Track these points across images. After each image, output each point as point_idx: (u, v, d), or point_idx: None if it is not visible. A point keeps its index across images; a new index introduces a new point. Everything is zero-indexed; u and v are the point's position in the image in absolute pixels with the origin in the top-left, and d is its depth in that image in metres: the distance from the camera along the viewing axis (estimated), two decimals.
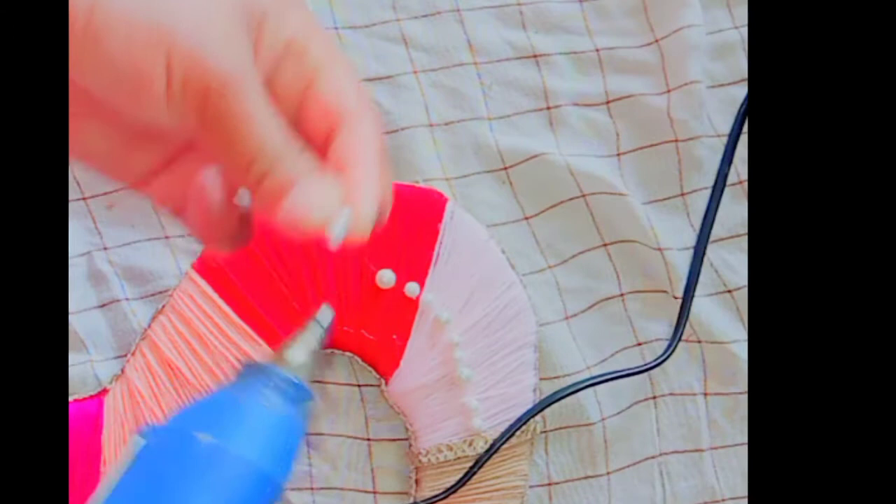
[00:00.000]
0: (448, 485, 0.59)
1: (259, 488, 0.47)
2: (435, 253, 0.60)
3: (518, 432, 0.59)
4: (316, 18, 0.44)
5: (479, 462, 0.58)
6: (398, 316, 0.60)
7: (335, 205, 0.41)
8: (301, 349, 0.50)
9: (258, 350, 0.59)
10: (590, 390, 0.61)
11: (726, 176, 0.63)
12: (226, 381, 0.52)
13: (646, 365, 0.60)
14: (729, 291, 0.63)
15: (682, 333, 0.61)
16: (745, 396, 0.62)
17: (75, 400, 0.59)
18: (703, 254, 0.62)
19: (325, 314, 0.51)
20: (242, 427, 0.47)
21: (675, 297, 0.62)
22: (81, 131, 0.47)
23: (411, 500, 0.60)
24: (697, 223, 0.63)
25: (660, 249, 0.62)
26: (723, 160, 0.63)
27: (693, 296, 0.61)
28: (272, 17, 0.42)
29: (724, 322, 0.62)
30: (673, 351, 0.61)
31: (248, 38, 0.42)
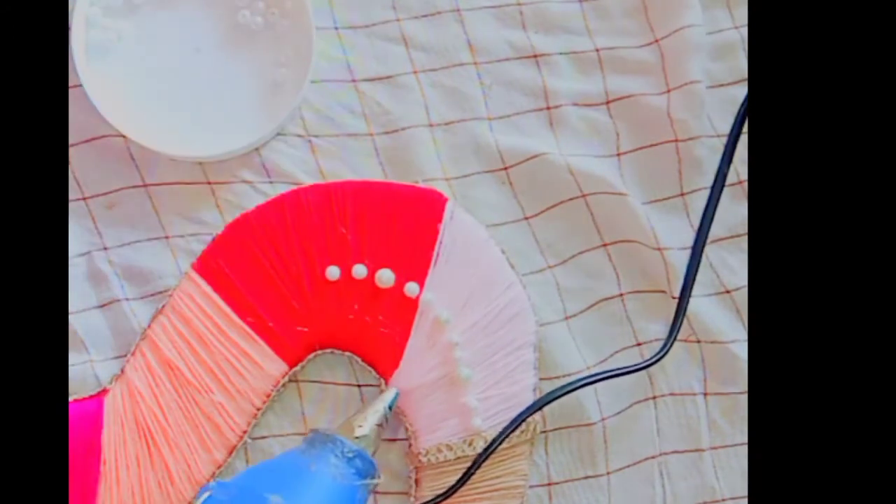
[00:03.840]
0: (448, 484, 0.59)
1: None
2: (435, 253, 0.60)
3: (518, 432, 0.59)
4: None
5: (478, 461, 0.58)
6: (398, 315, 0.60)
7: None
8: (369, 424, 0.56)
9: (258, 350, 0.59)
10: (590, 390, 0.61)
11: (725, 176, 0.63)
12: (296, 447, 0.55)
13: (642, 363, 0.60)
14: (728, 292, 0.63)
15: (678, 332, 0.61)
16: (745, 396, 0.62)
17: (75, 400, 0.59)
18: (701, 253, 0.62)
19: (390, 394, 0.58)
20: (312, 493, 0.49)
21: (674, 297, 0.62)
22: None
23: (411, 499, 0.60)
24: (697, 223, 0.63)
25: (659, 249, 0.62)
26: (722, 160, 0.63)
27: (690, 295, 0.61)
28: None
29: (724, 322, 0.62)
30: (668, 349, 0.61)
31: None
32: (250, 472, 0.52)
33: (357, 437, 0.55)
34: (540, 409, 0.59)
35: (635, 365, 0.60)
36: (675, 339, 0.61)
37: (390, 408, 0.58)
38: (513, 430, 0.59)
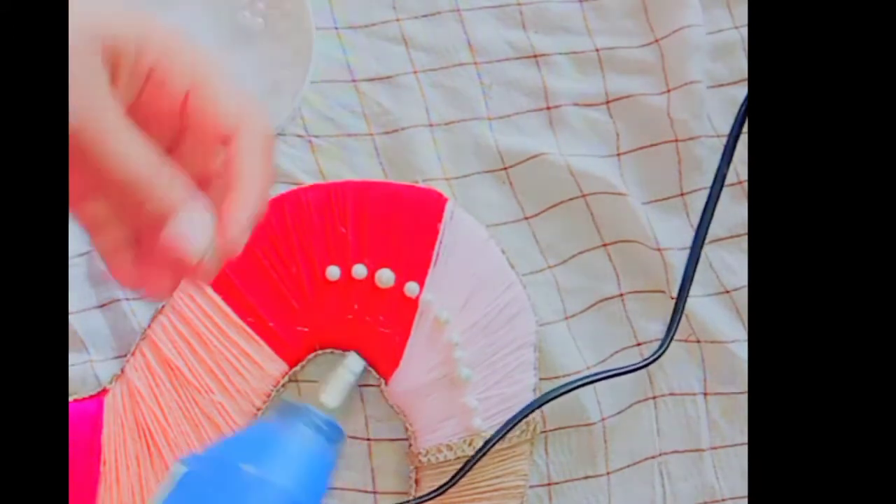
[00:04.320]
0: (444, 482, 0.59)
1: None
2: (434, 253, 0.60)
3: (518, 432, 0.59)
4: (178, 38, 0.44)
5: (475, 457, 0.58)
6: (398, 315, 0.60)
7: (208, 237, 0.43)
8: (335, 394, 0.57)
9: (258, 350, 0.59)
10: (590, 390, 0.61)
11: (725, 176, 0.63)
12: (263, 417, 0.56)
13: (640, 363, 0.60)
14: (727, 292, 0.63)
15: (675, 331, 0.61)
16: (745, 396, 0.62)
17: (75, 400, 0.59)
18: (700, 253, 0.62)
19: (355, 362, 0.58)
20: (284, 460, 0.50)
21: (673, 297, 0.62)
22: None
23: (411, 500, 0.60)
24: (697, 223, 0.63)
25: (659, 249, 0.62)
26: (721, 160, 0.63)
27: (688, 294, 0.61)
28: (127, 47, 0.43)
29: (724, 322, 0.62)
30: (666, 348, 0.61)
31: (102, 74, 0.43)
32: (223, 444, 0.53)
33: (325, 406, 0.56)
34: (537, 408, 0.59)
35: (633, 364, 0.60)
36: (672, 338, 0.61)
37: (356, 375, 0.59)
38: (510, 429, 0.59)
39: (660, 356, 0.61)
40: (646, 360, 0.61)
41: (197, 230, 0.43)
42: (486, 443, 0.58)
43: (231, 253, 0.44)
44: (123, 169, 0.42)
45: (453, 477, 0.58)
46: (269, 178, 0.46)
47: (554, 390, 0.59)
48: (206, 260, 0.43)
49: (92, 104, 0.43)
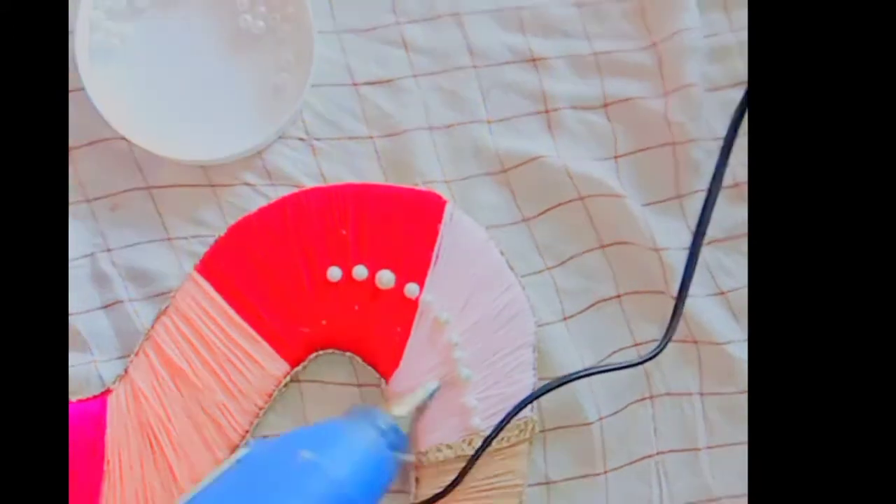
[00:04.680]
0: (448, 483, 0.59)
1: None
2: (434, 254, 0.61)
3: (517, 431, 0.60)
4: None
5: (476, 454, 0.59)
6: (398, 316, 0.60)
7: None
8: (407, 405, 0.57)
9: (260, 350, 0.59)
10: (587, 390, 0.61)
11: (722, 178, 0.63)
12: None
13: (637, 361, 0.61)
14: (723, 293, 0.63)
15: (673, 331, 0.61)
16: (741, 396, 0.62)
17: (79, 400, 0.59)
18: (698, 255, 0.62)
19: (432, 385, 0.59)
20: (341, 452, 0.51)
21: (672, 298, 0.62)
22: None
23: (412, 498, 0.60)
24: (694, 225, 0.63)
25: (657, 251, 0.62)
26: (718, 162, 0.63)
27: (686, 295, 0.61)
28: None
29: (720, 323, 0.63)
30: (663, 347, 0.61)
31: None
32: (290, 434, 0.54)
33: (395, 416, 0.56)
34: (535, 399, 0.59)
35: (629, 362, 0.61)
36: (670, 337, 0.61)
37: (430, 396, 0.59)
38: (506, 422, 0.59)
39: (658, 354, 0.61)
40: (644, 357, 0.61)
41: None
42: (487, 439, 0.59)
43: None
44: None
45: (459, 475, 0.59)
46: None
47: (550, 383, 0.60)
48: None
49: None
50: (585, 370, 0.60)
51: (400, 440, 0.54)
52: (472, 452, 0.59)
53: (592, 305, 0.63)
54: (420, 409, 0.58)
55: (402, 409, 0.57)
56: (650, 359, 0.61)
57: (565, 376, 0.60)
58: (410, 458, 0.56)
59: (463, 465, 0.59)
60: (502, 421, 0.59)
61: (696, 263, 0.62)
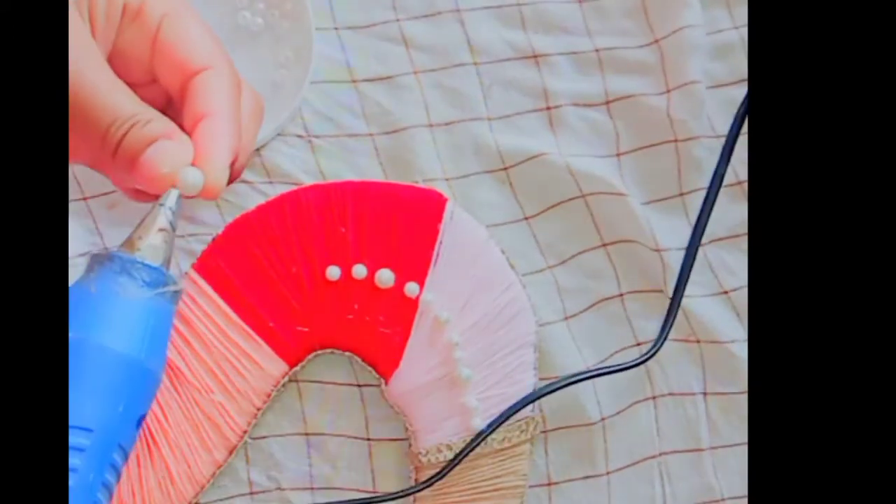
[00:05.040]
0: (447, 484, 0.59)
1: (130, 375, 0.47)
2: (434, 253, 0.60)
3: (518, 431, 0.59)
4: None
5: (470, 445, 0.58)
6: (398, 315, 0.60)
7: (184, 161, 0.48)
8: (150, 232, 0.50)
9: (258, 349, 0.59)
10: (589, 391, 0.61)
11: (723, 176, 0.63)
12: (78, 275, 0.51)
13: (634, 361, 0.60)
14: (726, 292, 0.63)
15: (670, 329, 0.61)
16: (744, 396, 0.62)
17: None
18: (696, 253, 0.62)
19: (171, 196, 0.51)
20: (100, 317, 0.47)
21: (670, 297, 0.62)
22: None
23: (412, 499, 0.60)
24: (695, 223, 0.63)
25: (658, 250, 0.62)
26: (720, 161, 0.63)
27: (683, 293, 0.61)
28: None
29: (723, 322, 0.62)
30: (660, 346, 0.60)
31: (84, 28, 0.47)
32: None
33: (139, 250, 0.50)
34: (530, 403, 0.59)
35: (630, 362, 0.60)
36: (666, 336, 0.61)
37: (173, 210, 0.51)
38: (505, 419, 0.59)
39: (654, 354, 0.61)
40: (641, 357, 0.60)
41: (170, 157, 0.48)
42: (479, 434, 0.58)
43: (213, 187, 0.48)
44: (107, 104, 0.46)
45: (444, 467, 0.58)
46: (239, 120, 0.50)
47: (546, 386, 0.59)
48: (185, 186, 0.48)
49: (78, 60, 0.46)
50: (583, 373, 0.60)
51: (155, 274, 0.49)
52: (473, 453, 0.59)
53: (594, 305, 0.63)
54: (167, 230, 0.50)
55: (144, 238, 0.50)
56: (647, 359, 0.60)
57: (563, 379, 0.60)
58: (178, 286, 0.50)
59: (463, 465, 0.59)
60: (500, 416, 0.59)
61: (693, 262, 0.62)
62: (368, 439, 0.61)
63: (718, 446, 0.62)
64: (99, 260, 0.50)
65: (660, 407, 0.63)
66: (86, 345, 0.46)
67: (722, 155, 0.63)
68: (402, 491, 0.59)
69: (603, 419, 0.62)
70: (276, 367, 0.59)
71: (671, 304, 0.61)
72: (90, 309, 0.47)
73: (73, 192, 0.61)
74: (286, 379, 0.60)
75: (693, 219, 0.63)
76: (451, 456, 0.59)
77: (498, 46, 0.64)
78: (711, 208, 0.63)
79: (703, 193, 0.63)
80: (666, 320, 0.61)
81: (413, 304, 0.60)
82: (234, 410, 0.59)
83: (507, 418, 0.59)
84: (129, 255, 0.49)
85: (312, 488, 0.61)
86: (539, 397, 0.59)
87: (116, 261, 0.49)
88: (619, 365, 0.60)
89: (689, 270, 0.61)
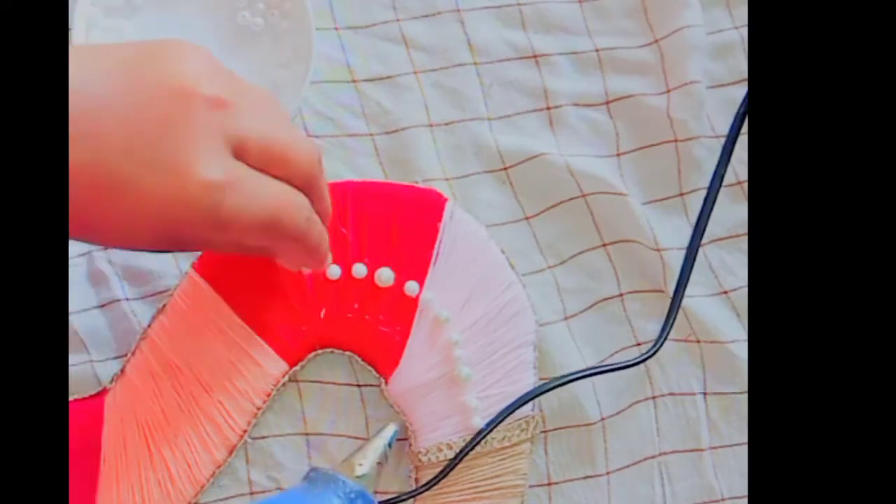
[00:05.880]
0: (447, 483, 0.59)
1: None
2: (434, 252, 0.60)
3: (518, 430, 0.59)
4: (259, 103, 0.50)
5: (470, 444, 0.58)
6: (398, 314, 0.60)
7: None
8: (368, 460, 0.56)
9: (258, 349, 0.59)
10: (589, 390, 0.61)
11: (723, 177, 0.63)
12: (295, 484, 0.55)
13: (634, 360, 0.60)
14: (726, 292, 0.63)
15: (670, 329, 0.61)
16: (744, 396, 0.62)
17: (76, 399, 0.59)
18: (696, 253, 0.62)
19: (390, 431, 0.57)
20: None
21: (671, 297, 0.62)
22: None
23: (412, 499, 0.60)
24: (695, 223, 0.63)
25: (658, 250, 0.62)
26: (719, 161, 0.63)
27: (683, 293, 0.61)
28: (242, 138, 0.49)
29: (723, 322, 0.62)
30: (660, 346, 0.61)
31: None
32: None
33: (358, 477, 0.55)
34: (529, 400, 0.59)
35: (628, 361, 0.60)
36: (666, 336, 0.61)
37: (390, 445, 0.58)
38: (504, 418, 0.59)
39: (654, 353, 0.61)
40: (641, 356, 0.61)
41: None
42: (479, 433, 0.58)
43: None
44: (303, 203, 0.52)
45: (444, 466, 0.58)
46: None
47: (546, 384, 0.59)
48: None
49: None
50: (583, 371, 0.60)
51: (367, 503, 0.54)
52: (472, 452, 0.59)
53: (594, 304, 0.63)
54: (382, 463, 0.57)
55: (363, 466, 0.56)
56: (647, 358, 0.60)
57: (563, 377, 0.60)
58: None
59: (463, 464, 0.59)
60: (500, 415, 0.59)
61: (693, 262, 0.62)
62: (368, 439, 0.61)
63: (718, 446, 0.62)
64: (324, 479, 0.53)
65: (660, 407, 0.62)
66: None
67: (722, 155, 0.63)
68: (403, 494, 0.59)
69: (603, 419, 0.61)
70: (276, 366, 0.59)
71: (672, 304, 0.61)
72: None
73: None
74: (286, 379, 0.60)
75: (693, 219, 0.63)
76: (451, 455, 0.59)
77: (498, 46, 0.64)
78: (712, 208, 0.63)
79: (703, 193, 0.63)
80: (666, 320, 0.61)
81: (413, 303, 0.60)
82: (234, 410, 0.59)
83: (507, 417, 0.59)
84: (353, 483, 0.53)
85: None
86: (539, 394, 0.59)
87: (341, 485, 0.53)
88: (618, 363, 0.60)
89: (690, 271, 0.61)
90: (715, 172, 0.63)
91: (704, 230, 0.62)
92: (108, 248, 0.61)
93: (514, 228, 0.63)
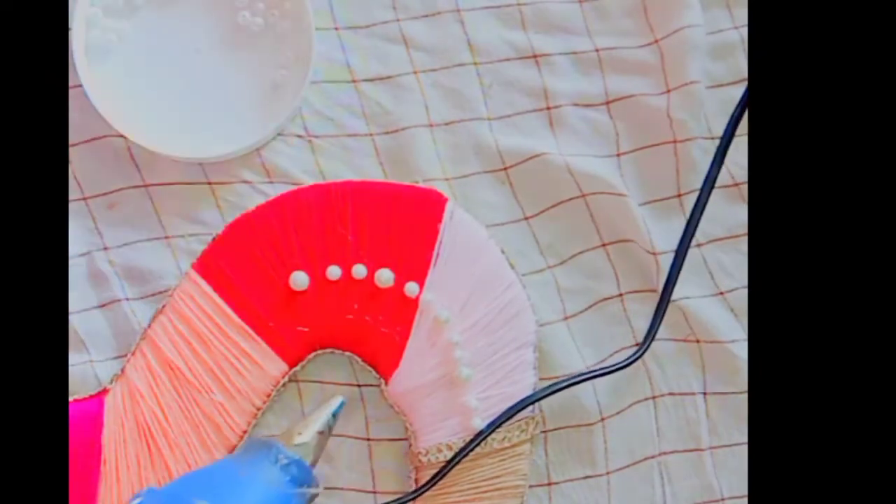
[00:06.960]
0: (447, 484, 0.59)
1: None
2: (434, 253, 0.60)
3: (518, 431, 0.59)
4: None
5: (470, 445, 0.58)
6: (398, 315, 0.60)
7: None
8: (309, 429, 0.54)
9: (258, 349, 0.59)
10: (589, 391, 0.61)
11: (715, 179, 0.63)
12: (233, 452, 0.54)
13: (625, 361, 0.60)
14: (721, 293, 0.63)
15: (657, 328, 0.61)
16: (744, 396, 0.62)
17: (76, 400, 0.59)
18: (685, 254, 0.62)
19: (336, 402, 0.56)
20: (240, 498, 0.48)
21: (666, 299, 0.62)
22: None
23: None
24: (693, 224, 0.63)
25: (654, 253, 0.62)
26: (713, 162, 0.63)
27: (671, 294, 0.61)
28: None
29: (723, 322, 0.62)
30: (648, 346, 0.61)
31: None
32: (182, 479, 0.51)
33: (296, 445, 0.53)
34: (530, 404, 0.59)
35: (620, 363, 0.60)
36: (654, 335, 0.61)
37: (334, 415, 0.56)
38: (504, 420, 0.58)
39: (643, 354, 0.60)
40: (630, 358, 0.60)
41: None
42: (479, 434, 0.58)
43: None
44: None
45: (444, 467, 0.58)
46: None
47: (543, 390, 0.59)
48: None
49: None
50: (576, 376, 0.60)
51: (304, 473, 0.52)
52: (472, 453, 0.59)
53: (594, 304, 0.63)
54: (324, 433, 0.55)
55: (303, 435, 0.54)
56: (635, 360, 0.60)
57: (562, 379, 0.60)
58: (318, 490, 0.53)
59: (463, 465, 0.59)
60: (500, 416, 0.59)
61: (683, 262, 0.61)
62: (368, 439, 0.61)
63: (718, 446, 0.62)
64: (257, 445, 0.52)
65: (659, 407, 0.62)
66: None
67: (715, 157, 0.63)
68: (403, 494, 0.59)
69: (603, 419, 0.61)
70: (276, 367, 0.59)
71: (659, 304, 0.61)
72: (233, 491, 0.49)
73: (72, 192, 0.61)
74: (286, 379, 0.60)
75: None
76: (451, 456, 0.59)
77: (498, 46, 0.64)
78: (703, 210, 0.62)
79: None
80: (653, 321, 0.61)
81: (413, 303, 0.60)
82: (234, 410, 0.59)
83: (507, 419, 0.59)
84: (287, 449, 0.52)
85: None
86: (537, 400, 0.59)
87: (274, 451, 0.51)
88: (611, 366, 0.60)
89: (679, 271, 0.61)
90: (707, 174, 0.63)
91: (695, 232, 0.62)
92: (108, 248, 0.62)
93: (514, 228, 0.63)
